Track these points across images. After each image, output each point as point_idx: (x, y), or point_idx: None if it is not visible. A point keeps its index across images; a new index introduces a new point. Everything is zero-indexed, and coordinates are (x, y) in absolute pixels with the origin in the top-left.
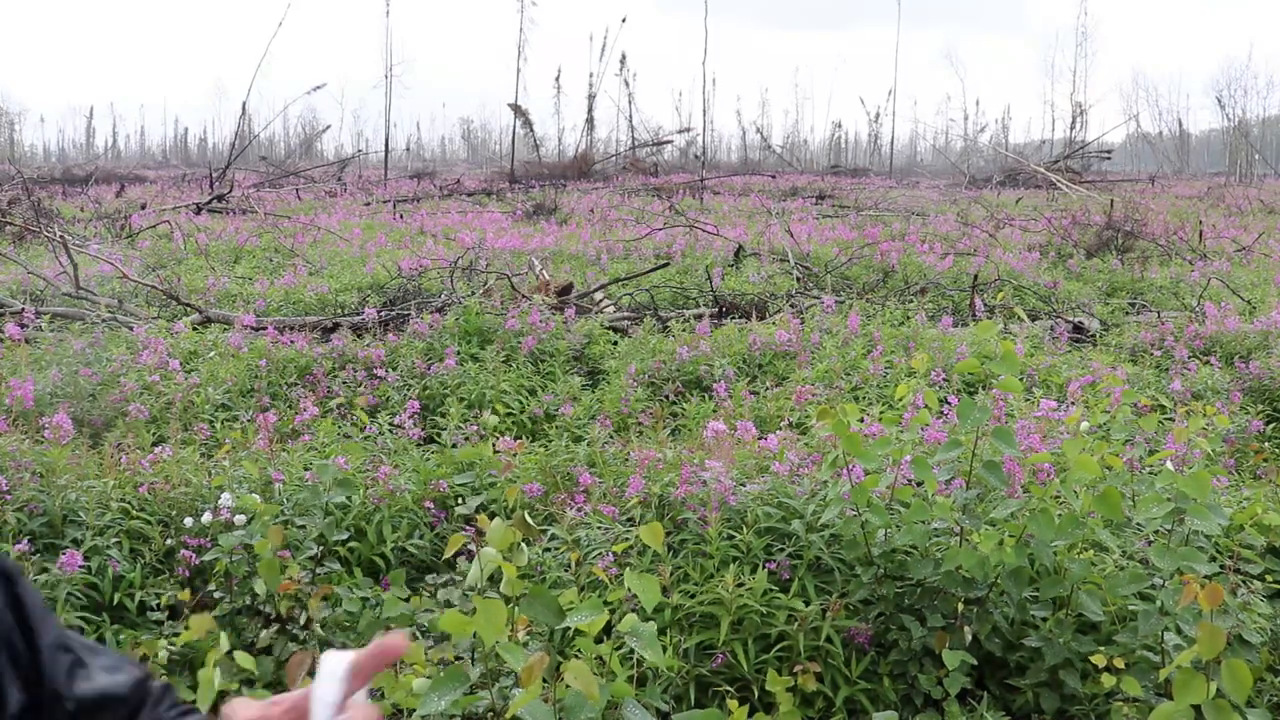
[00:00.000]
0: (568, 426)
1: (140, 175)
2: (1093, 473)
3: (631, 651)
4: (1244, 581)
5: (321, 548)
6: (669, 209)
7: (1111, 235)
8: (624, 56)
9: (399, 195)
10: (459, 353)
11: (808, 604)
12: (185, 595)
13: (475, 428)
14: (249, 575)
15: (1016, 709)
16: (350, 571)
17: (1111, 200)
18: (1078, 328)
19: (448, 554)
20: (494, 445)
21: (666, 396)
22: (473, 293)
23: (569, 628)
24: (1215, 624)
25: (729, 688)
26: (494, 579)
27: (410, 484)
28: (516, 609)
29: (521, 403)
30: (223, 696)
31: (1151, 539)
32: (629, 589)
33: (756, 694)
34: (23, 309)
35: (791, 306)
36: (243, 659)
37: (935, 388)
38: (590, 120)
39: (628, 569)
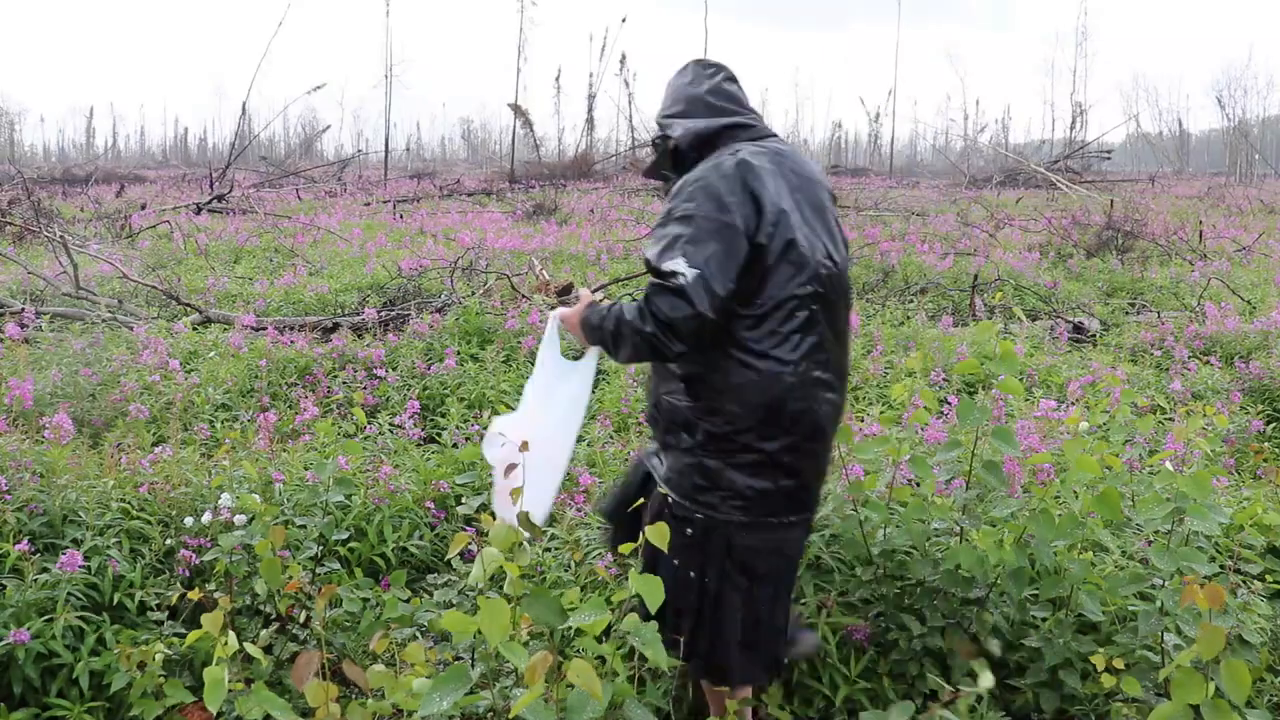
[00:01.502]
0: None
1: (140, 175)
2: (1093, 473)
3: (631, 651)
4: (1244, 581)
5: (321, 548)
6: None
7: (1111, 235)
8: (624, 56)
9: (399, 195)
10: (459, 353)
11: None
12: (195, 594)
13: (477, 428)
14: (249, 575)
15: (1016, 709)
16: (351, 572)
17: (1111, 200)
18: (1078, 328)
19: (451, 553)
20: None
21: None
22: (473, 293)
23: (568, 627)
24: (1215, 624)
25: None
26: (495, 578)
27: (411, 484)
28: (518, 609)
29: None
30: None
31: (1151, 539)
32: (632, 589)
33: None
34: (23, 309)
35: None
36: (254, 652)
37: (935, 388)
38: (590, 120)
39: (631, 569)
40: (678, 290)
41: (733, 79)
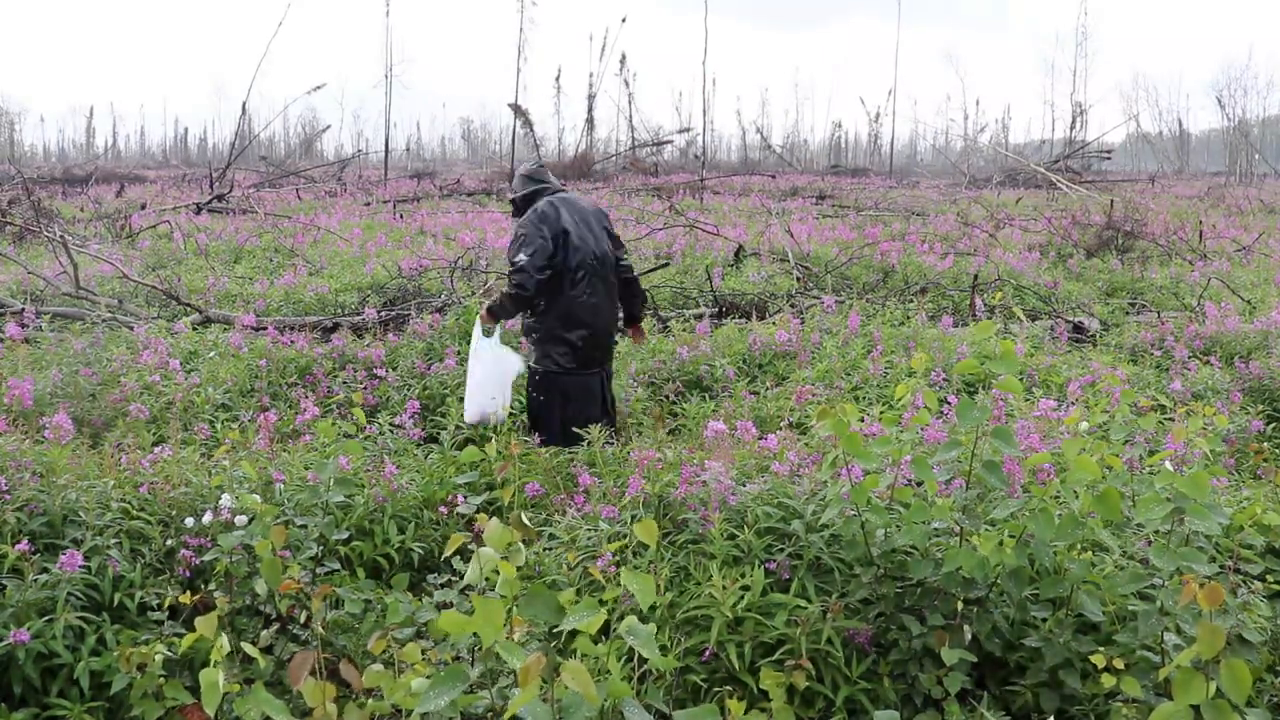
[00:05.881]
0: None
1: (140, 175)
2: (1092, 473)
3: (630, 652)
4: (1244, 581)
5: (322, 548)
6: (669, 209)
7: (1111, 235)
8: (624, 56)
9: (399, 195)
10: (459, 353)
11: (800, 606)
12: (186, 599)
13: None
14: (249, 575)
15: (1016, 709)
16: (354, 572)
17: (1111, 200)
18: (1078, 328)
19: (447, 553)
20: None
21: (666, 396)
22: (473, 292)
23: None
24: (1215, 624)
25: (728, 688)
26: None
27: (414, 485)
28: (515, 608)
29: (521, 403)
30: (224, 698)
31: (1151, 539)
32: (625, 587)
33: (755, 691)
34: (23, 309)
35: (791, 306)
36: (253, 652)
37: (935, 388)
38: (590, 120)
39: (624, 567)
40: (520, 270)
41: (542, 166)
